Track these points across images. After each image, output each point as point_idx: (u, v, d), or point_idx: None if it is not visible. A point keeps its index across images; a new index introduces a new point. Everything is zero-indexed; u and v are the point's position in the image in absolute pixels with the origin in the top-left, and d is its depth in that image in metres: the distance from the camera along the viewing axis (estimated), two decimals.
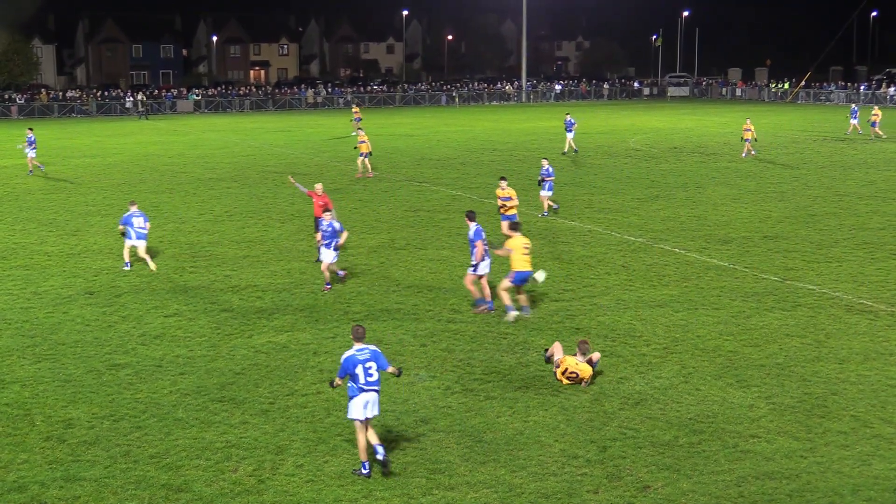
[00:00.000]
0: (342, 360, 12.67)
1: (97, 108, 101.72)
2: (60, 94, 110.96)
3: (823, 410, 14.57)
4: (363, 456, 12.58)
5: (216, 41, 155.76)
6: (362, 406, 12.52)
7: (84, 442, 13.66)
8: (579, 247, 26.80)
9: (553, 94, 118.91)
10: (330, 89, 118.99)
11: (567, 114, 53.50)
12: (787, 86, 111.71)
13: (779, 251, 25.92)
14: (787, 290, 21.73)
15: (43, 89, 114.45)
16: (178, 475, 12.61)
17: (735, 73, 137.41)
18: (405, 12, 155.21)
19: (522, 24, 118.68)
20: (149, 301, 21.46)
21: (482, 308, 20.16)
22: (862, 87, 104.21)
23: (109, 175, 45.31)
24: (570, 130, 50.63)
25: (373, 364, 12.62)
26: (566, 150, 50.37)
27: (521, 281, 19.61)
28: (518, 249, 19.53)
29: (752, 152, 48.37)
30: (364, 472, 12.52)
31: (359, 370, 12.54)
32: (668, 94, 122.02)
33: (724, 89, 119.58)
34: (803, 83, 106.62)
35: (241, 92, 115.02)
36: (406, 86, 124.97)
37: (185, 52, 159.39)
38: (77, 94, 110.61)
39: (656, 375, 16.18)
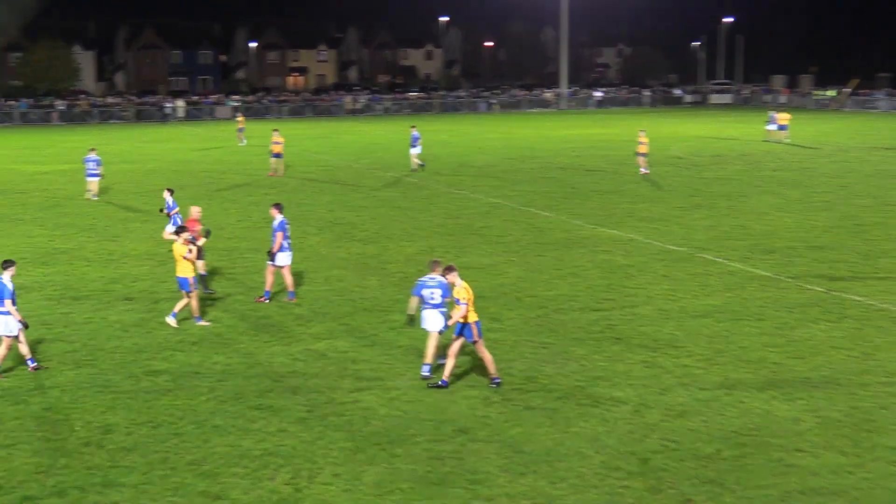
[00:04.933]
0: (416, 281, 16.50)
1: (136, 115, 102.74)
2: (100, 100, 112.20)
3: (872, 425, 14.37)
4: (428, 359, 16.19)
5: (255, 47, 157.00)
6: (428, 320, 16.29)
7: (122, 448, 13.76)
8: (620, 256, 26.68)
9: (593, 102, 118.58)
10: (369, 96, 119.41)
11: (413, 126, 50.86)
12: (832, 93, 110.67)
13: (824, 261, 25.64)
14: (832, 302, 21.48)
15: (83, 95, 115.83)
16: (215, 483, 12.67)
17: (779, 81, 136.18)
18: (444, 19, 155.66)
19: (562, 31, 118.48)
20: (187, 307, 21.58)
21: (262, 299, 21.88)
22: None
23: (148, 181, 45.71)
24: (416, 145, 48.12)
25: (437, 290, 16.25)
26: (414, 167, 47.97)
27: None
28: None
29: (646, 168, 45.21)
30: (424, 372, 16.20)
31: (425, 293, 16.33)
32: (711, 102, 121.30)
33: (767, 97, 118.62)
34: (849, 90, 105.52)
35: (279, 98, 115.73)
36: (445, 92, 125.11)
37: (223, 58, 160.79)
38: (116, 100, 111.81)
39: (699, 387, 16.04)
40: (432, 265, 16.89)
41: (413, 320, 16.97)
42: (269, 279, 22.13)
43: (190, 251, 19.95)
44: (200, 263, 22.47)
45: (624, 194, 38.68)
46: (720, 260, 25.93)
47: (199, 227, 22.29)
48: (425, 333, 19.30)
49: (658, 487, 12.40)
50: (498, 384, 16.01)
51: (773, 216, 32.88)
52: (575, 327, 19.69)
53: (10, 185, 44.95)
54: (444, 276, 16.14)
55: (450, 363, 16.06)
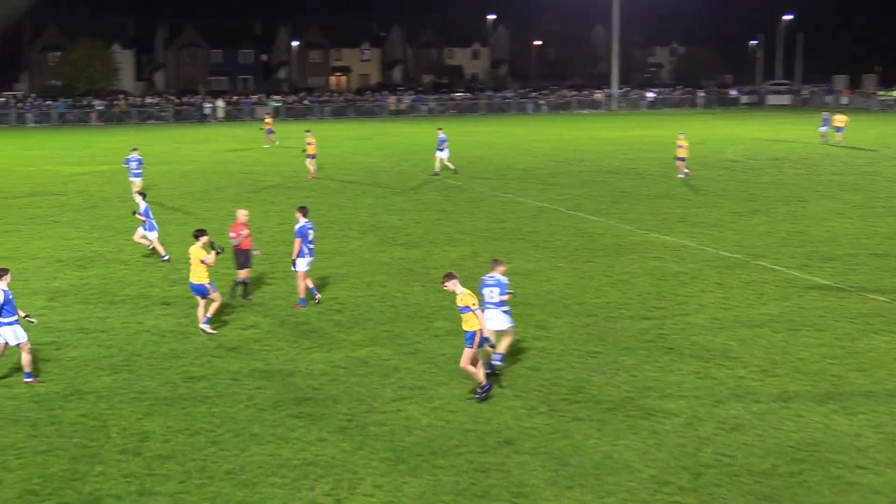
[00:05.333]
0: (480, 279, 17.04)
1: (175, 115, 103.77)
2: (139, 100, 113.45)
3: None
4: (499, 350, 16.81)
5: (296, 46, 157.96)
6: (490, 318, 16.45)
7: (159, 456, 13.88)
8: (672, 262, 26.51)
9: (645, 103, 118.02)
10: (413, 96, 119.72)
11: (439, 129, 50.22)
12: None
13: (888, 269, 25.31)
14: None
15: (122, 95, 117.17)
16: (253, 492, 12.74)
17: (841, 81, 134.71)
18: (492, 17, 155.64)
19: (614, 29, 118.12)
20: (225, 312, 21.75)
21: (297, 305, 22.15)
22: None
23: (187, 183, 46.16)
24: (442, 148, 47.61)
25: (495, 289, 16.67)
26: (437, 170, 47.61)
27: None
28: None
29: (684, 172, 44.90)
30: (498, 361, 16.85)
31: (485, 291, 16.69)
32: (768, 103, 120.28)
33: (828, 97, 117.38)
34: None
35: (321, 98, 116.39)
36: (491, 93, 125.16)
37: (264, 57, 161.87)
38: (156, 100, 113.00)
39: (754, 399, 15.89)
40: (494, 264, 17.19)
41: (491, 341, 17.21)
42: (300, 283, 22.29)
43: (219, 251, 20.09)
44: (244, 272, 22.54)
45: (676, 199, 38.44)
46: (777, 267, 25.69)
47: (245, 231, 22.35)
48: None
49: None
50: (486, 392, 15.91)
51: (834, 222, 32.52)
52: (625, 336, 19.60)
53: (47, 186, 45.59)
54: (444, 284, 16.02)
55: (478, 370, 16.04)
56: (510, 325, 17.25)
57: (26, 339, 17.10)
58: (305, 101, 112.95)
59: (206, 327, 20.08)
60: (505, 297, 16.85)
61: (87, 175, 50.02)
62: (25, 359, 17.12)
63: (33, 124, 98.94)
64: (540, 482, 12.92)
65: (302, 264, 22.05)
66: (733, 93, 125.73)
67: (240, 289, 22.94)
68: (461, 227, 32.46)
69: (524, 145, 65.22)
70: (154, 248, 28.05)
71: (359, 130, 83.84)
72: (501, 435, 14.51)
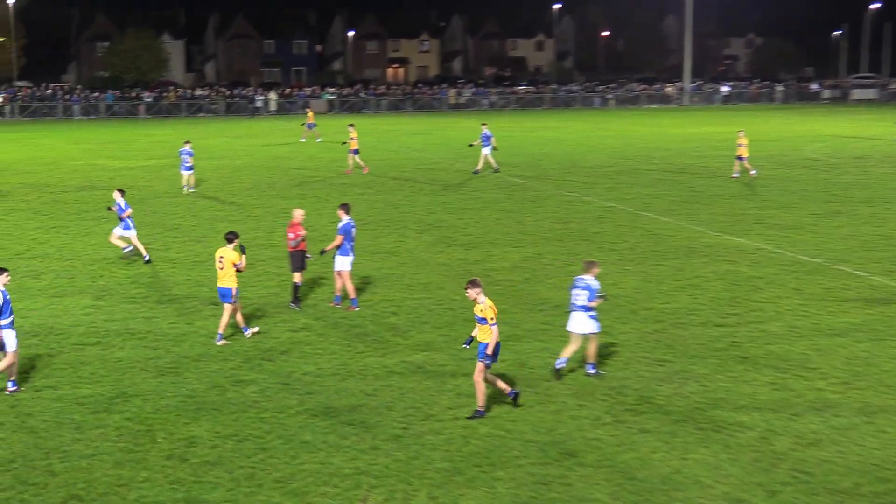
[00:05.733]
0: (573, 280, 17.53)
1: (226, 108, 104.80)
2: (189, 91, 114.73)
3: None
4: (564, 354, 17.38)
5: (352, 37, 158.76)
6: (573, 321, 17.24)
7: (206, 462, 14.01)
8: (747, 266, 26.26)
9: (719, 97, 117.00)
10: (474, 89, 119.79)
11: (483, 124, 49.81)
12: None
13: None
14: None
15: (171, 87, 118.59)
16: (303, 502, 12.80)
17: None
18: (557, 6, 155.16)
19: (686, 20, 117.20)
20: (276, 314, 21.92)
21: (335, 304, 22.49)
22: None
23: (238, 178, 46.59)
24: (487, 145, 47.33)
25: (583, 293, 17.13)
26: (479, 167, 47.43)
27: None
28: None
29: (747, 172, 44.22)
30: (592, 371, 17.40)
31: (573, 293, 17.28)
32: (852, 98, 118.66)
33: None
34: None
35: (377, 91, 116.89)
36: (556, 86, 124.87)
37: (319, 48, 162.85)
38: (206, 92, 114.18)
39: (834, 413, 15.68)
40: (586, 266, 17.53)
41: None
42: (349, 284, 22.35)
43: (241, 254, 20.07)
44: (298, 275, 22.53)
45: (751, 199, 38.07)
46: (860, 273, 25.33)
47: (303, 232, 22.34)
48: (530, 346, 19.32)
49: None
50: (481, 416, 15.57)
51: None
52: (695, 344, 19.44)
53: (94, 181, 46.26)
54: (466, 290, 15.73)
55: (499, 383, 15.90)
56: (595, 330, 17.38)
57: (16, 346, 17.01)
58: (361, 94, 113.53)
59: (250, 331, 20.14)
60: (593, 303, 17.15)
61: (135, 170, 50.69)
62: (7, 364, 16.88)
63: (80, 117, 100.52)
64: (604, 497, 12.85)
65: (345, 263, 22.14)
66: (814, 87, 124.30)
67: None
68: (523, 228, 32.41)
69: (590, 142, 64.98)
70: (130, 250, 28.05)
71: (416, 125, 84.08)
72: (564, 446, 14.46)
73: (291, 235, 22.05)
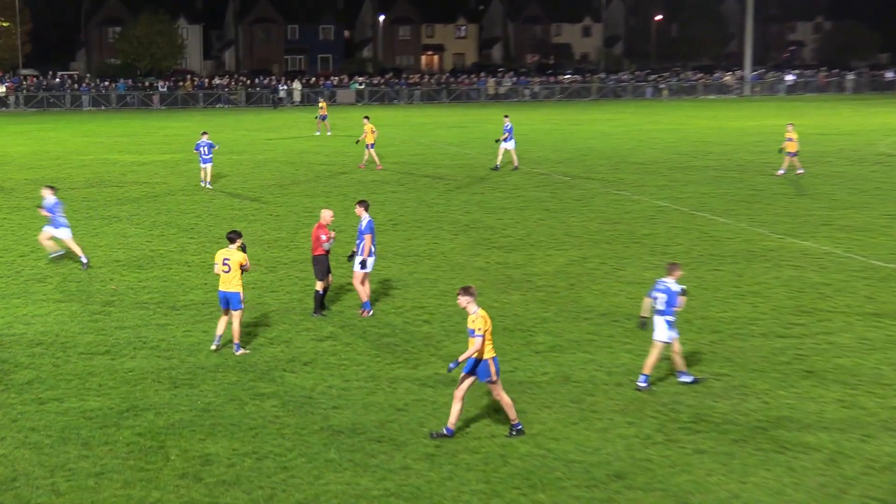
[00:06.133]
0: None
1: (246, 98, 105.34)
2: (206, 80, 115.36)
3: None
4: (646, 370, 17.43)
5: (383, 21, 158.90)
6: (656, 327, 17.44)
7: (223, 482, 14.06)
8: (813, 272, 26.08)
9: (784, 87, 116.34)
10: (515, 78, 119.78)
11: (506, 116, 49.42)
12: None
13: None
14: None
15: (188, 75, 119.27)
16: None
17: None
18: None
19: (748, 2, 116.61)
20: (299, 322, 21.98)
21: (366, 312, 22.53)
22: None
23: (259, 175, 46.78)
24: (510, 138, 47.20)
25: (662, 297, 17.33)
26: (499, 163, 47.50)
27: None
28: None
29: (795, 170, 43.99)
30: (640, 383, 17.47)
31: (654, 295, 17.49)
32: None
33: None
34: None
35: (410, 80, 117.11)
36: (604, 75, 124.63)
37: (347, 34, 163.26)
38: (225, 81, 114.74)
39: None
40: (669, 268, 17.75)
41: (645, 324, 17.79)
42: (363, 288, 22.50)
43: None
44: (320, 283, 22.52)
45: (818, 198, 37.82)
46: None
47: (333, 234, 22.33)
48: (574, 358, 19.30)
49: None
50: (519, 431, 15.55)
51: None
52: (756, 356, 19.33)
53: (104, 177, 46.60)
54: (458, 297, 15.60)
55: (455, 408, 15.52)
56: (671, 337, 17.47)
57: None
58: (392, 84, 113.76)
59: (241, 351, 20.06)
60: (676, 308, 17.43)
61: (149, 165, 51.03)
62: None
63: (90, 108, 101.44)
64: None
65: (370, 265, 22.37)
66: (889, 75, 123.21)
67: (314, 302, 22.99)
68: (568, 229, 32.35)
69: (641, 136, 64.78)
70: (61, 254, 28.07)
71: (452, 117, 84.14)
72: (611, 467, 14.41)
73: (324, 237, 21.94)
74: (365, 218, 22.41)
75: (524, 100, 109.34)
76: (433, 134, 67.15)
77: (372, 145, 48.41)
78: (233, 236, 20.00)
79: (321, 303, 22.66)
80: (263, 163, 51.68)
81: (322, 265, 22.28)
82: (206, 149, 42.10)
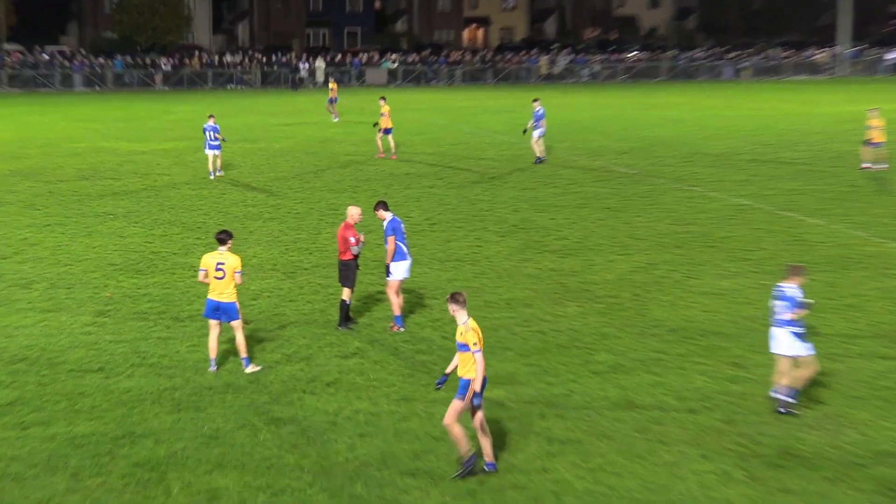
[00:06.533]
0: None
1: (262, 78, 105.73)
2: (216, 58, 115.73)
3: None
4: (780, 382, 17.49)
5: None
6: (775, 340, 17.59)
7: None
8: None
9: (886, 66, 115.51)
10: (571, 56, 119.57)
11: (535, 100, 48.53)
12: None
13: None
14: None
15: (195, 52, 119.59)
16: None
17: None
18: None
19: None
20: (322, 336, 21.97)
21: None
22: None
23: (276, 166, 46.91)
24: (539, 126, 46.82)
25: (783, 304, 17.43)
26: (540, 153, 47.27)
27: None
28: None
29: (879, 165, 43.57)
30: (774, 394, 17.55)
31: (774, 305, 17.67)
32: None
33: None
34: None
35: (450, 58, 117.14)
36: (675, 52, 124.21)
37: (378, 4, 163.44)
38: (237, 58, 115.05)
39: None
40: (789, 271, 17.86)
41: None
42: (395, 300, 22.44)
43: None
44: (347, 291, 22.48)
45: None
46: None
47: (363, 238, 22.25)
48: (640, 380, 19.20)
49: None
50: (492, 470, 15.40)
51: None
52: (853, 380, 19.15)
53: (99, 168, 46.88)
54: (448, 304, 15.48)
55: (484, 443, 15.41)
56: (804, 352, 17.47)
57: None
58: (430, 62, 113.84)
59: (251, 368, 20.05)
60: (794, 315, 17.41)
61: (150, 154, 51.29)
62: None
63: (83, 88, 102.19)
64: None
65: (400, 270, 22.25)
66: None
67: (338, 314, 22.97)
68: (633, 231, 32.21)
69: (719, 122, 64.52)
70: None
71: (499, 100, 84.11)
72: None
73: (352, 240, 21.89)
74: (387, 217, 22.39)
75: (582, 81, 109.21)
76: (476, 120, 67.10)
77: (389, 130, 48.55)
78: (224, 237, 20.04)
79: (347, 314, 22.65)
80: (281, 152, 51.83)
81: (349, 272, 22.24)
82: (212, 133, 42.36)
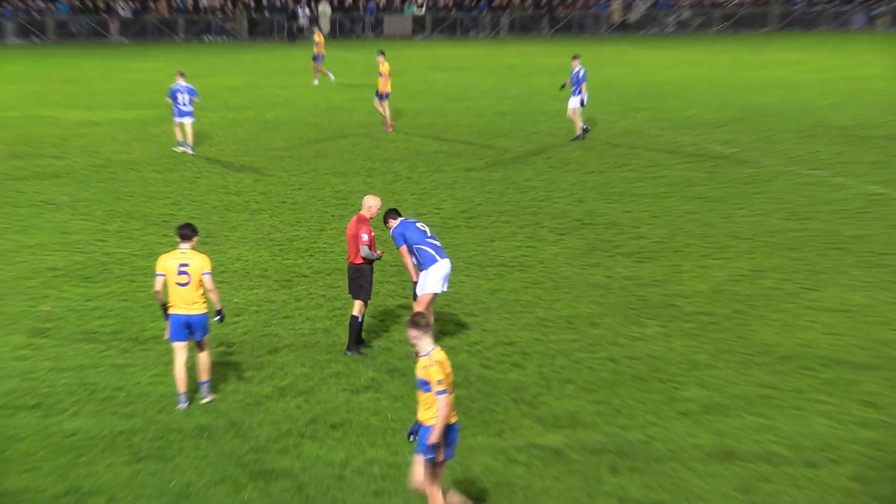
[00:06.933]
0: None
1: (249, 28, 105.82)
2: (189, 2, 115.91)
3: None
4: None
5: None
6: None
7: None
8: None
9: None
10: (650, 1, 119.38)
11: (575, 57, 48.11)
12: None
13: None
14: None
15: None
16: None
17: None
18: None
19: None
20: (325, 363, 21.91)
21: None
22: None
23: (267, 141, 46.93)
24: (577, 92, 46.70)
25: None
26: (584, 127, 47.55)
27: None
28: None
29: None
30: None
31: None
32: None
33: None
34: None
35: (494, 2, 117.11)
36: None
37: None
38: (217, 1, 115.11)
39: None
40: None
41: None
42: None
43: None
44: (359, 304, 22.38)
45: None
46: None
47: (379, 253, 22.15)
48: (743, 423, 19.14)
49: None
50: None
51: None
52: None
53: (37, 142, 47.03)
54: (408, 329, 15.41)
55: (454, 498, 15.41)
56: None
57: None
58: (467, 7, 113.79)
59: (209, 397, 20.09)
60: None
61: (103, 126, 51.42)
62: None
63: (16, 39, 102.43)
64: None
65: (433, 279, 21.99)
66: None
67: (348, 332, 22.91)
68: (732, 227, 32.08)
69: (846, 85, 64.31)
70: None
71: (557, 58, 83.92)
72: None
73: (365, 237, 21.78)
74: (395, 223, 22.24)
75: (666, 32, 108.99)
76: (528, 82, 67.03)
77: (385, 95, 48.68)
78: (187, 232, 19.90)
79: (359, 336, 22.62)
80: (274, 124, 51.91)
81: (362, 279, 22.14)
82: (184, 96, 42.38)
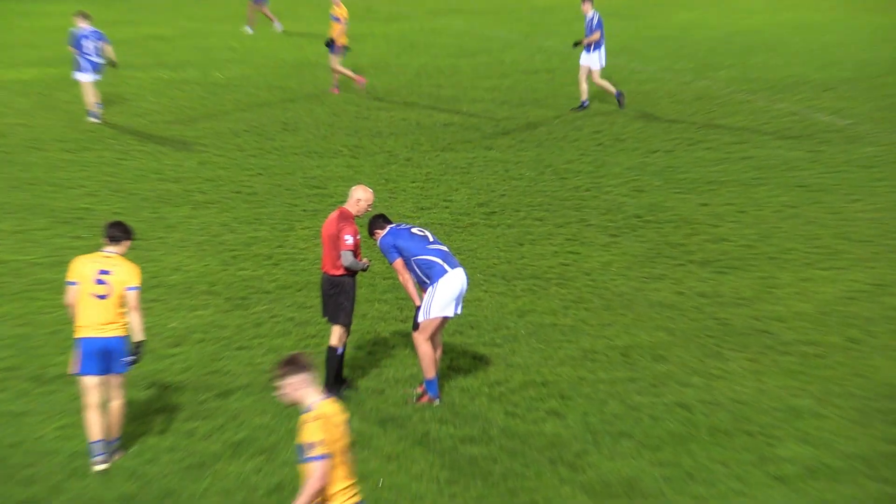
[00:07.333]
0: None
1: None
2: None
3: None
4: None
5: None
6: None
7: None
8: None
9: None
10: None
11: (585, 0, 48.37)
12: None
13: None
14: None
15: None
16: None
17: None
18: None
19: None
20: (289, 411, 21.64)
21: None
22: None
23: (217, 108, 47.06)
24: (592, 48, 46.98)
25: None
26: (584, 99, 47.68)
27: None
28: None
29: None
30: None
31: None
32: None
33: None
34: None
35: None
36: None
37: None
38: None
39: None
40: None
41: None
42: (426, 350, 22.15)
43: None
44: (338, 331, 22.37)
45: None
46: None
47: (366, 262, 22.11)
48: (885, 489, 19.20)
49: None
50: None
51: None
52: None
53: None
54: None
55: None
56: None
57: None
58: None
59: (119, 455, 20.04)
60: None
61: None
62: None
63: None
64: None
65: (444, 300, 21.87)
66: None
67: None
68: (846, 226, 32.08)
69: None
70: None
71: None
72: None
73: (349, 240, 21.70)
74: (383, 232, 22.16)
75: None
76: (571, 30, 67.23)
77: (341, 49, 49.03)
78: (117, 233, 19.88)
79: (339, 372, 22.62)
80: (226, 86, 52.08)
81: (342, 296, 22.12)
82: (91, 44, 42.28)
